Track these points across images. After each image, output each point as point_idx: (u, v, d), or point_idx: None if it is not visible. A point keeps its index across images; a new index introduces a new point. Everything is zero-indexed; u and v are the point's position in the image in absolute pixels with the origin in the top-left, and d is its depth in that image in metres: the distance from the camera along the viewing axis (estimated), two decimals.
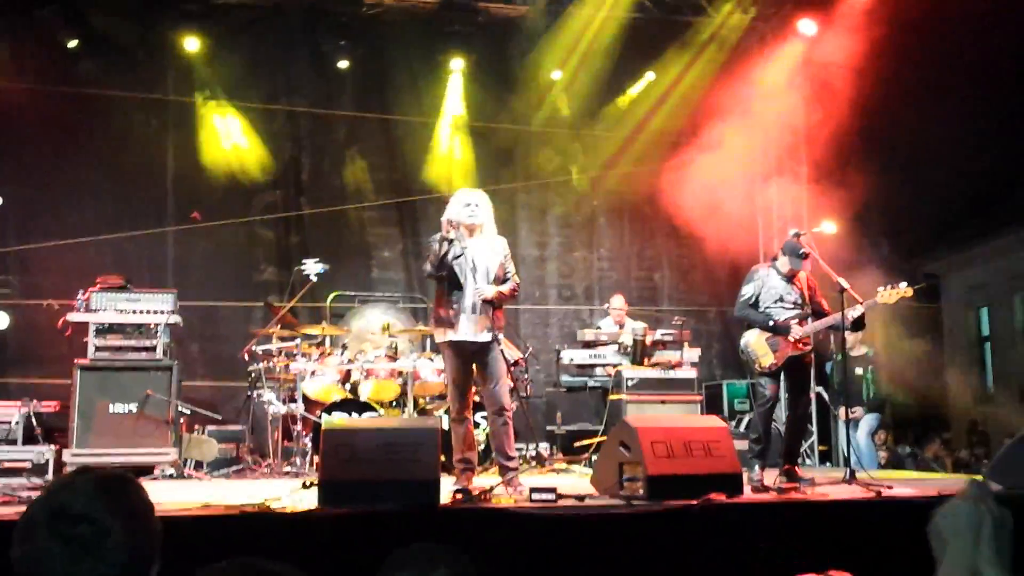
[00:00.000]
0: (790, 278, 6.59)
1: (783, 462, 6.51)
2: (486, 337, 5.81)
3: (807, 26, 10.37)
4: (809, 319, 6.53)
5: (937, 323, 17.04)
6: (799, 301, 6.53)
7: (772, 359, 6.43)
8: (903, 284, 6.31)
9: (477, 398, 6.44)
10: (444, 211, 5.96)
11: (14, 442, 7.12)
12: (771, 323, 6.45)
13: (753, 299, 6.60)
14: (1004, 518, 2.06)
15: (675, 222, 10.74)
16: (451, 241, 5.76)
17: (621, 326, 9.25)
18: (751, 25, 11.14)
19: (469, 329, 5.80)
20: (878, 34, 9.50)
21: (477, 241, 5.89)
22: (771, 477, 6.17)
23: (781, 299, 6.52)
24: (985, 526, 2.03)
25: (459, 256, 5.79)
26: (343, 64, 10.90)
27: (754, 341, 6.54)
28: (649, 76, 11.31)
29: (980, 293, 17.47)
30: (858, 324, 6.57)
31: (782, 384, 6.83)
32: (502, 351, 5.93)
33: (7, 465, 6.91)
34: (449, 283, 5.85)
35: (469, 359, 5.88)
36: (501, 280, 5.93)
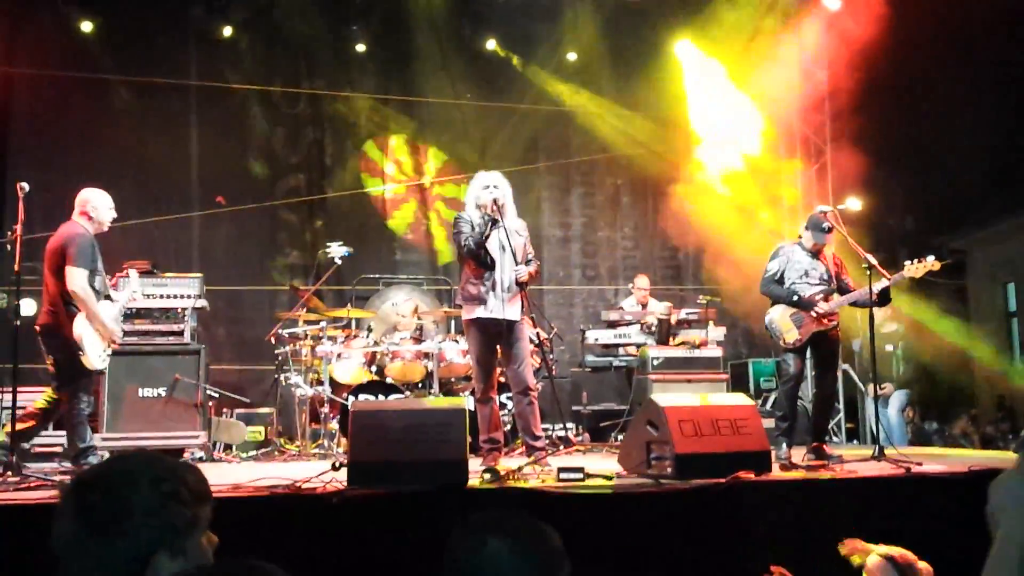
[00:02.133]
0: (815, 254, 6.55)
1: (811, 439, 6.48)
2: (515, 315, 5.86)
3: (831, 1, 10.25)
4: (835, 295, 6.49)
5: (963, 299, 16.88)
6: (825, 277, 6.49)
7: (796, 335, 6.38)
8: (930, 257, 6.23)
9: (502, 379, 6.46)
10: (467, 191, 5.98)
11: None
12: (795, 298, 6.41)
13: (778, 275, 6.57)
14: None
15: (699, 201, 10.68)
16: (495, 222, 5.79)
17: (644, 306, 9.23)
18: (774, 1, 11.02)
19: (500, 307, 5.83)
20: (902, 6, 9.38)
21: (504, 222, 5.92)
22: (799, 455, 6.15)
23: (806, 274, 6.48)
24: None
25: (487, 236, 5.82)
26: (365, 47, 10.91)
27: (778, 317, 6.50)
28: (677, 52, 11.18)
29: (1006, 269, 17.25)
30: (884, 299, 6.50)
31: (808, 361, 6.78)
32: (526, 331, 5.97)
33: (39, 450, 7.01)
34: (479, 262, 5.87)
35: (495, 338, 5.92)
36: (524, 261, 5.97)
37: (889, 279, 6.28)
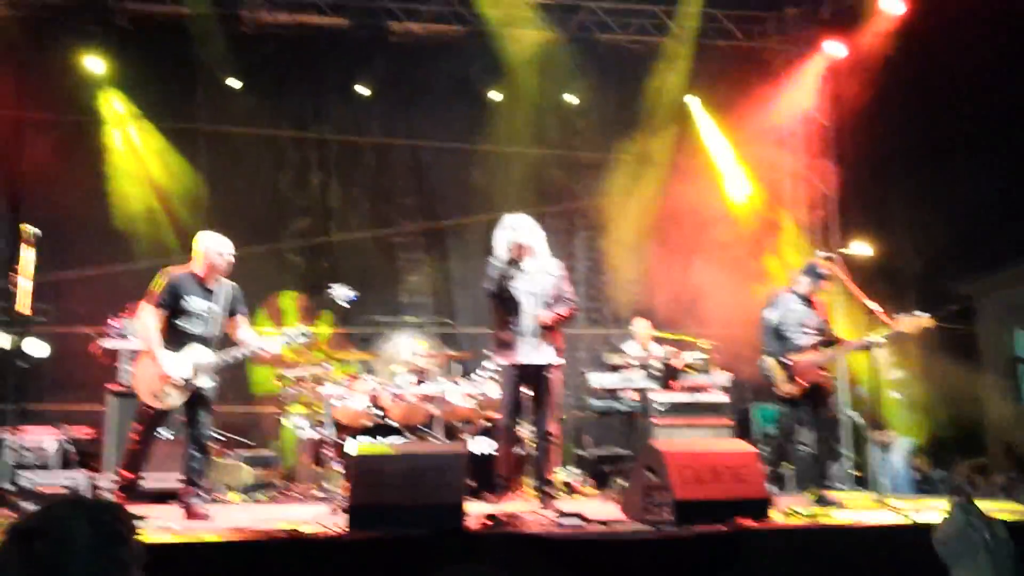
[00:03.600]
0: (809, 302, 6.61)
1: (813, 485, 6.46)
2: (546, 359, 5.89)
3: (834, 47, 10.37)
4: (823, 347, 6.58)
5: (972, 345, 16.81)
6: (821, 327, 6.55)
7: (793, 387, 6.45)
8: (922, 313, 6.21)
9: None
10: (494, 236, 6.04)
11: (48, 467, 7.22)
12: (781, 360, 6.47)
13: (774, 322, 6.62)
14: (997, 536, 2.05)
15: (703, 245, 10.74)
16: (517, 263, 5.85)
17: (646, 350, 9.23)
18: (777, 47, 11.18)
19: (529, 352, 5.87)
20: (905, 51, 9.47)
21: (530, 264, 5.99)
22: (796, 502, 6.13)
23: (803, 324, 6.54)
24: (980, 551, 2.03)
25: (509, 280, 5.88)
26: (370, 91, 11.04)
27: (773, 364, 6.55)
28: (687, 99, 11.33)
29: (1015, 314, 17.21)
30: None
31: (803, 409, 6.81)
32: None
33: (42, 490, 7.01)
34: (507, 307, 5.92)
35: (527, 381, 5.96)
36: (556, 302, 6.00)
37: (877, 336, 6.30)
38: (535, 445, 6.11)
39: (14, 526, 1.79)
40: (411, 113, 11.14)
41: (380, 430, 7.81)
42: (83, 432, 7.93)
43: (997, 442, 15.53)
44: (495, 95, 11.14)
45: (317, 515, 4.85)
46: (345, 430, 7.99)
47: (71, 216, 9.53)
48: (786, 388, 6.46)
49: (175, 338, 5.81)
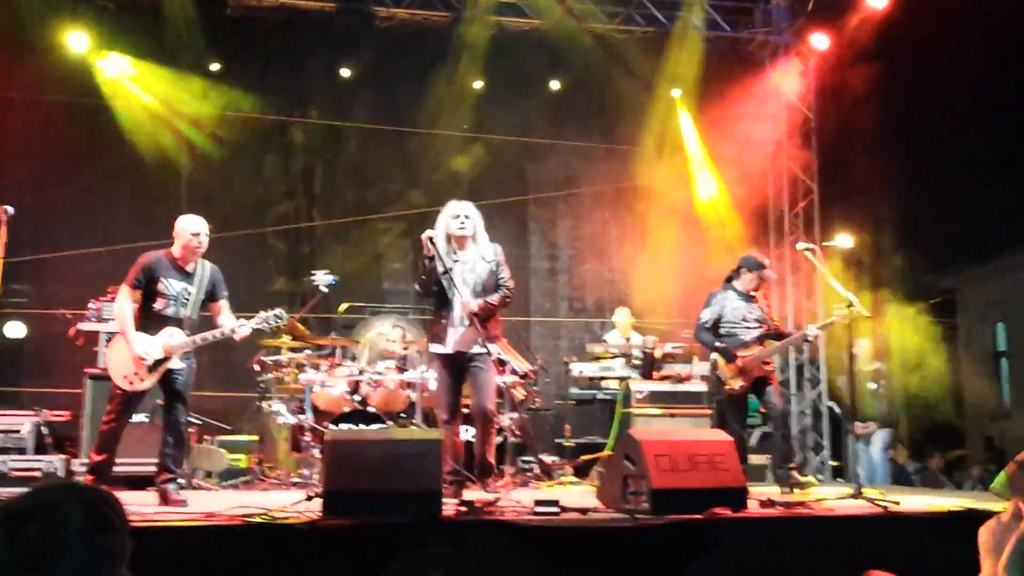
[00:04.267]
0: (749, 297, 6.73)
1: (784, 464, 6.62)
2: (475, 349, 5.90)
3: (819, 40, 10.37)
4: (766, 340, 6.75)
5: (954, 338, 16.92)
6: (761, 318, 6.68)
7: (741, 382, 6.57)
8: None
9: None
10: (438, 221, 6.05)
11: (24, 451, 7.16)
12: (719, 346, 6.73)
13: (711, 323, 6.77)
14: None
15: (687, 235, 10.76)
16: (431, 259, 5.85)
17: (628, 339, 9.24)
18: (764, 40, 11.18)
19: (457, 342, 5.88)
20: (893, 45, 9.50)
21: (468, 253, 6.01)
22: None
23: (744, 319, 6.70)
24: (1014, 543, 2.07)
25: (447, 271, 5.87)
26: (355, 76, 10.97)
27: (722, 361, 6.68)
28: (674, 93, 11.34)
29: (997, 308, 17.34)
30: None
31: (748, 403, 7.05)
32: (504, 361, 6.02)
33: (17, 475, 6.96)
34: (439, 298, 5.96)
35: (458, 371, 6.00)
36: (493, 289, 5.99)
37: (813, 327, 6.67)
38: (513, 433, 6.12)
39: (4, 507, 1.76)
40: (396, 98, 11.07)
41: (360, 417, 7.79)
42: (60, 415, 7.86)
43: (977, 435, 15.70)
44: (478, 83, 11.09)
45: (292, 501, 4.82)
46: (324, 416, 7.97)
47: (51, 197, 9.46)
48: (733, 384, 6.59)
49: (150, 320, 5.76)
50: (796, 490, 6.40)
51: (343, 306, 8.98)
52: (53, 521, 1.70)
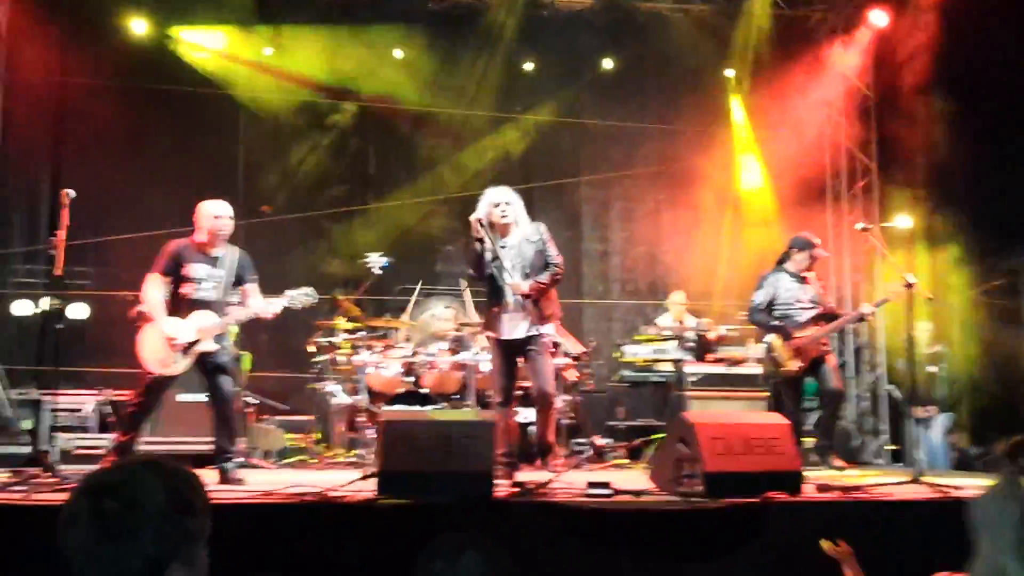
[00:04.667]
0: (802, 278, 6.63)
1: (828, 444, 6.64)
2: (528, 332, 5.90)
3: (878, 17, 10.14)
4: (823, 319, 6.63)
5: (1016, 319, 16.51)
6: (815, 299, 6.59)
7: (799, 362, 6.48)
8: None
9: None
10: (477, 210, 6.05)
11: (88, 430, 7.34)
12: (775, 324, 6.66)
13: (764, 305, 6.68)
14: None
15: (740, 217, 10.64)
16: (482, 241, 5.85)
17: (681, 322, 9.16)
18: (822, 17, 10.97)
19: (510, 328, 5.89)
20: (952, 22, 9.24)
21: (512, 238, 6.01)
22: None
23: (798, 300, 6.61)
24: (1011, 518, 2.06)
25: (495, 259, 5.88)
26: (409, 57, 10.99)
27: (778, 343, 6.57)
28: (728, 72, 11.21)
29: None
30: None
31: (806, 386, 6.94)
32: (558, 344, 6.03)
33: (80, 452, 7.14)
34: (491, 284, 5.96)
35: (513, 356, 5.99)
36: (541, 268, 5.99)
37: (871, 305, 6.43)
38: (566, 415, 6.16)
39: (88, 479, 1.78)
40: (449, 80, 11.07)
41: (414, 398, 7.86)
42: (122, 395, 8.03)
43: None
44: (528, 64, 11.04)
45: (346, 481, 4.88)
46: (379, 397, 8.05)
47: (111, 180, 9.63)
48: (791, 366, 6.50)
49: (180, 305, 5.90)
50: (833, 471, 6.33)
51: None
52: (135, 497, 1.71)
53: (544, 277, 6.02)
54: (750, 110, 11.27)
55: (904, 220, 9.73)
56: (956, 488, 5.26)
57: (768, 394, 8.36)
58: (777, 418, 5.41)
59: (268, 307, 6.02)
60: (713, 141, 11.10)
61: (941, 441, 8.79)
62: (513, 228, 6.05)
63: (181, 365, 5.83)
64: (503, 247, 6.02)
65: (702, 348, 8.40)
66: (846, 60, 10.55)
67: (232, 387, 6.05)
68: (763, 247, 10.41)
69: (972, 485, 5.82)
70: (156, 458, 1.86)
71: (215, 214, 6.00)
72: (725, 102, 11.35)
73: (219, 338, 5.91)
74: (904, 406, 9.54)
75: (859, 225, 6.72)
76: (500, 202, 6.05)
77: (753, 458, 4.87)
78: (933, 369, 8.87)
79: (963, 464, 10.22)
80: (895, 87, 9.85)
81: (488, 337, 6.17)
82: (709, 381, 8.03)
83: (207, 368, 5.93)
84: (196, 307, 5.87)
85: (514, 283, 5.90)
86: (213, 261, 5.98)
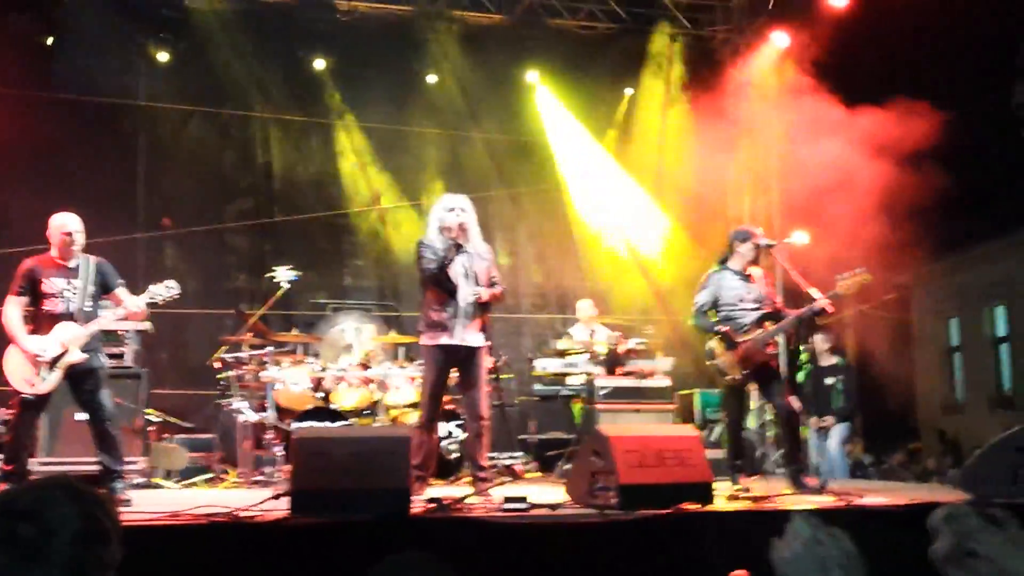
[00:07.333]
0: (746, 276, 6.45)
1: (792, 467, 6.39)
2: (478, 341, 5.87)
3: (780, 38, 10.48)
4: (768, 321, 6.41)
5: (908, 334, 17.18)
6: (760, 298, 6.39)
7: (743, 369, 6.30)
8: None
9: (450, 407, 6.48)
10: (429, 215, 6.01)
11: None
12: (720, 329, 6.34)
13: (708, 306, 6.44)
14: (849, 552, 1.96)
15: (650, 233, 10.82)
16: (460, 246, 5.81)
17: (592, 331, 9.25)
18: (724, 37, 11.28)
19: (463, 333, 5.83)
20: (849, 42, 9.60)
21: (467, 247, 5.95)
22: (757, 484, 6.24)
23: (742, 299, 6.35)
24: (834, 569, 1.93)
25: (451, 261, 5.84)
26: (318, 70, 10.88)
27: (720, 348, 6.39)
28: (627, 91, 11.43)
29: (950, 304, 17.65)
30: (811, 325, 6.47)
31: (755, 392, 6.76)
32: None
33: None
34: (443, 287, 5.87)
35: (454, 364, 5.93)
36: (489, 285, 5.99)
37: (824, 296, 6.16)
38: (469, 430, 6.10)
39: (4, 501, 1.73)
40: (358, 93, 10.99)
41: (323, 414, 7.72)
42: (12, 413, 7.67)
43: (930, 428, 15.97)
44: (432, 78, 11.05)
45: (257, 500, 4.76)
46: (287, 414, 7.88)
47: (8, 192, 9.24)
48: (733, 373, 6.32)
49: (41, 321, 5.77)
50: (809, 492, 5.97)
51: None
52: (49, 523, 1.67)
53: (497, 290, 6.05)
54: (648, 130, 11.48)
55: (800, 236, 10.01)
56: (858, 496, 5.44)
57: (676, 406, 8.49)
58: (688, 430, 5.51)
59: (132, 305, 5.87)
60: (620, 155, 11.29)
61: (838, 450, 9.06)
62: (467, 237, 5.98)
63: (50, 380, 5.69)
64: (460, 253, 5.96)
65: (612, 361, 8.48)
66: (750, 79, 10.84)
67: (110, 401, 5.88)
68: (670, 261, 10.63)
69: (872, 490, 6.04)
70: (71, 480, 1.79)
71: (63, 230, 5.87)
72: (629, 116, 11.57)
73: (88, 347, 5.77)
74: (803, 417, 9.81)
75: (763, 241, 6.70)
76: (456, 207, 6.00)
77: (666, 470, 4.95)
78: (830, 381, 9.13)
79: (859, 473, 10.59)
80: (796, 101, 10.15)
81: (427, 346, 6.00)
82: (619, 394, 8.10)
83: (77, 388, 5.83)
84: (59, 320, 5.75)
85: (476, 289, 5.87)
86: (70, 272, 5.86)
